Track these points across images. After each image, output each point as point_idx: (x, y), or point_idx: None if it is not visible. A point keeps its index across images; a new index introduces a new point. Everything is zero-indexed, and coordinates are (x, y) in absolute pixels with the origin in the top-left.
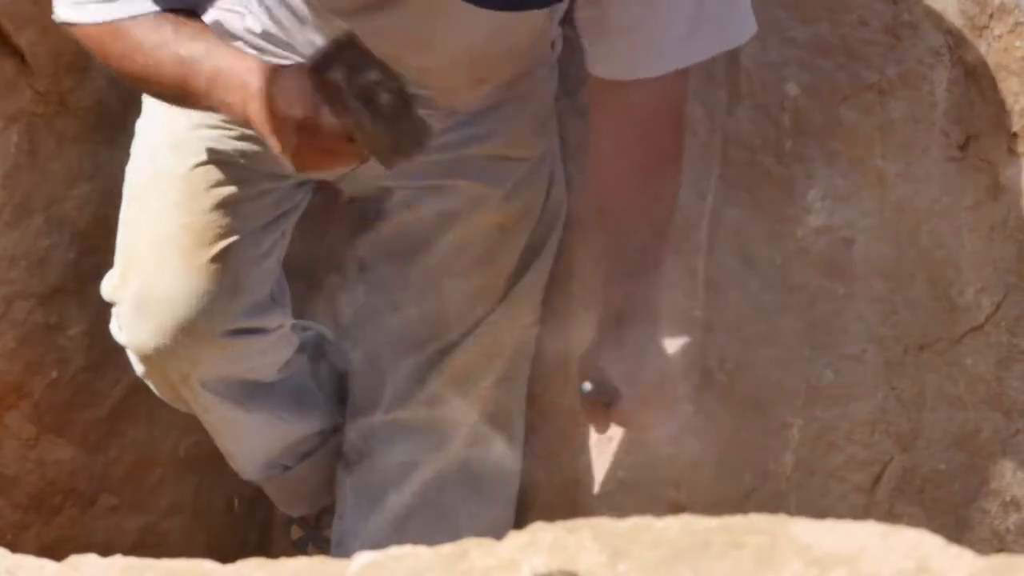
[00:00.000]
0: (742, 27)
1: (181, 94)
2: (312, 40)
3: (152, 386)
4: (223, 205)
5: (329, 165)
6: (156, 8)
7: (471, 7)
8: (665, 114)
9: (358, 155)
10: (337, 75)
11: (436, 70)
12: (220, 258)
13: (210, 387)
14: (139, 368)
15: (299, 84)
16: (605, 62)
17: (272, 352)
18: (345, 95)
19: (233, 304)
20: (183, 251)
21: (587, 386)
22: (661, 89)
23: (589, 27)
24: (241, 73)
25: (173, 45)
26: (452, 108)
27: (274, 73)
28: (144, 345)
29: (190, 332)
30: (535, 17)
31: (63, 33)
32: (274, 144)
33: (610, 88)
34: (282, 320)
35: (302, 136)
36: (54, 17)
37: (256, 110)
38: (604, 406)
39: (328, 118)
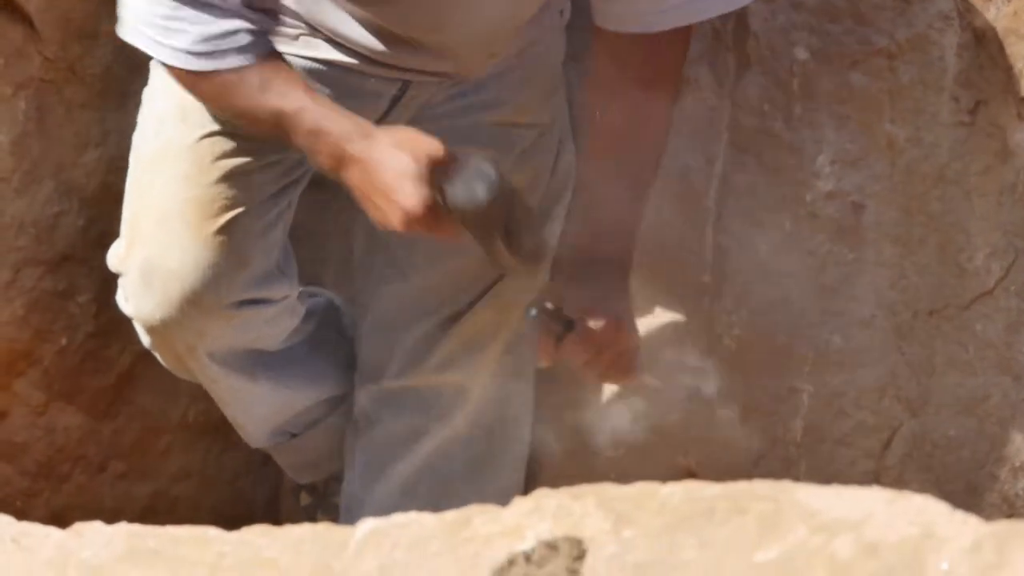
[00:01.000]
0: None
1: (272, 139)
2: (325, 15)
3: (159, 356)
4: (229, 177)
5: (416, 234)
6: (233, 65)
7: None
8: (668, 67)
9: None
10: (490, 212)
11: (451, 46)
12: (226, 230)
13: (216, 358)
14: (146, 339)
15: (417, 169)
16: (616, 15)
17: (278, 322)
18: (492, 228)
19: (239, 275)
20: (189, 223)
21: (532, 311)
22: (667, 44)
23: None
24: (339, 138)
25: (261, 98)
26: (463, 79)
27: (383, 143)
28: (150, 317)
29: (196, 304)
30: None
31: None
32: (363, 204)
33: (618, 40)
34: (288, 291)
35: (407, 219)
36: (120, 32)
37: (353, 175)
38: (555, 334)
39: (443, 213)
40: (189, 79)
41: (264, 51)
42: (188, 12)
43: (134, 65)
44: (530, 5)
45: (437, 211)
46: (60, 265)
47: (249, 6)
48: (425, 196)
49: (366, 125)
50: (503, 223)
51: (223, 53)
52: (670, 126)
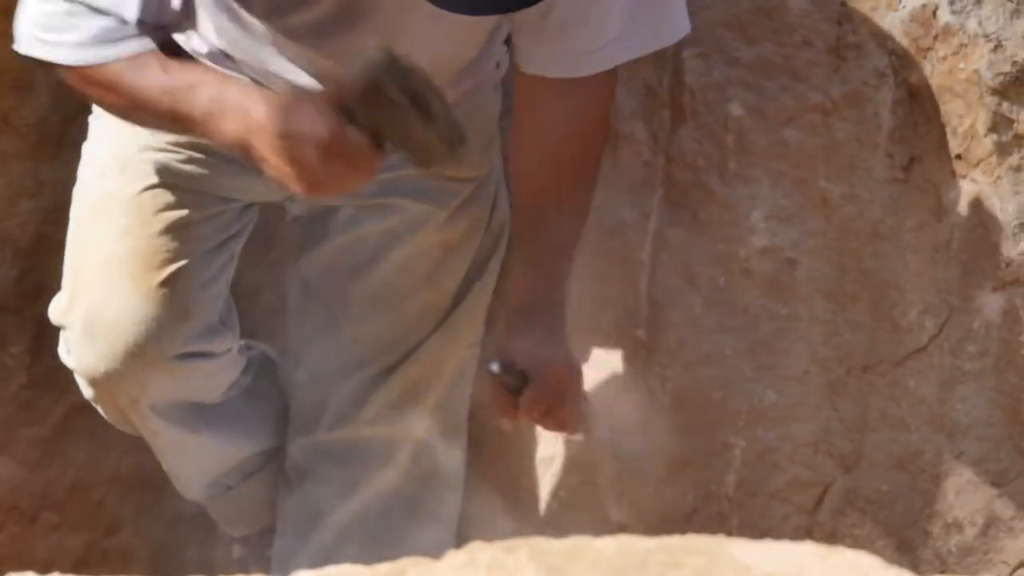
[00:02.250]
0: (676, 26)
1: (170, 124)
2: (266, 60)
3: (100, 409)
4: (172, 229)
5: (348, 181)
6: (131, 51)
7: (429, 24)
8: (594, 112)
9: (378, 167)
10: (391, 88)
11: None
12: (169, 282)
13: (158, 410)
14: (88, 392)
15: (316, 105)
16: (542, 60)
17: (220, 375)
18: (401, 106)
19: (182, 328)
20: (132, 275)
21: (494, 365)
22: (593, 87)
23: (527, 27)
24: (241, 102)
25: (158, 78)
26: None
27: (282, 101)
28: (93, 369)
29: (139, 356)
30: (488, 23)
31: (9, 52)
32: (279, 169)
33: (543, 86)
34: (230, 343)
35: (324, 154)
36: (16, 46)
37: (261, 138)
38: (511, 390)
39: (354, 132)
40: (82, 77)
41: (161, 39)
42: (81, 8)
43: (69, 116)
44: (473, 42)
45: (347, 135)
46: None
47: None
48: (332, 122)
49: (263, 91)
50: (412, 100)
51: (118, 41)
52: (598, 169)
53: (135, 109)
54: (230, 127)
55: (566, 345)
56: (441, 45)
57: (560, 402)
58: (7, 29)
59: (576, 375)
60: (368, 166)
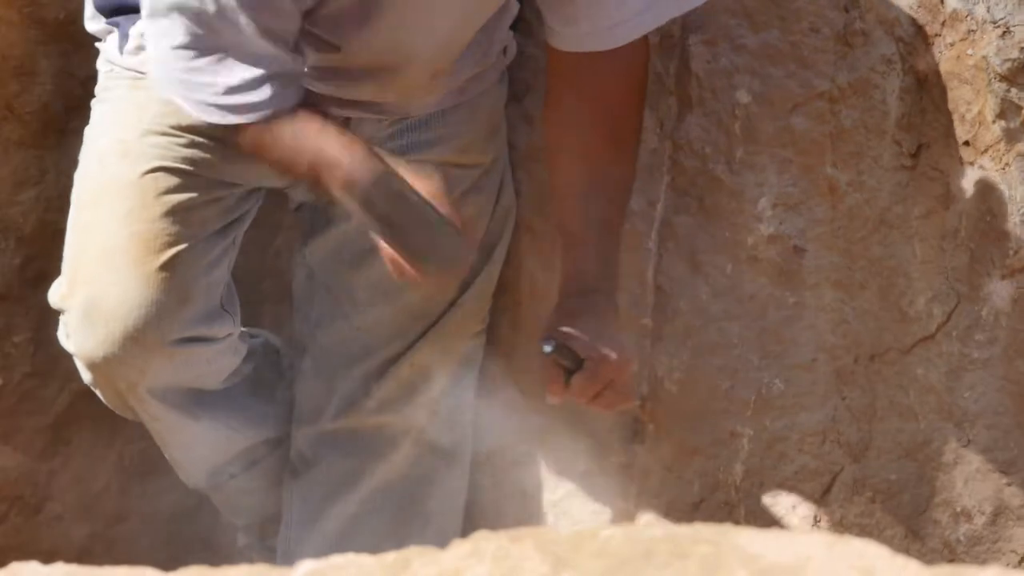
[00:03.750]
0: None
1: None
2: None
3: (100, 394)
4: (173, 212)
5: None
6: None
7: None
8: (629, 82)
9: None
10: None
11: (399, 63)
12: (169, 266)
13: (158, 395)
14: (87, 376)
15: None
16: (572, 36)
17: (219, 360)
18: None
19: (182, 312)
20: (133, 259)
21: (548, 345)
22: (625, 57)
23: (555, 4)
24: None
25: (296, 146)
26: (405, 112)
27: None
28: (92, 354)
29: (139, 341)
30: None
31: (11, 38)
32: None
33: (576, 61)
34: (231, 329)
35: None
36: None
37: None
38: (564, 371)
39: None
40: (232, 133)
41: (292, 101)
42: (203, 63)
43: (72, 103)
44: (482, 13)
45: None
46: None
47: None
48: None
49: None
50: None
51: (247, 107)
52: (639, 139)
53: (277, 169)
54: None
55: (620, 331)
56: (457, 15)
57: (612, 388)
58: (9, 15)
59: (629, 364)
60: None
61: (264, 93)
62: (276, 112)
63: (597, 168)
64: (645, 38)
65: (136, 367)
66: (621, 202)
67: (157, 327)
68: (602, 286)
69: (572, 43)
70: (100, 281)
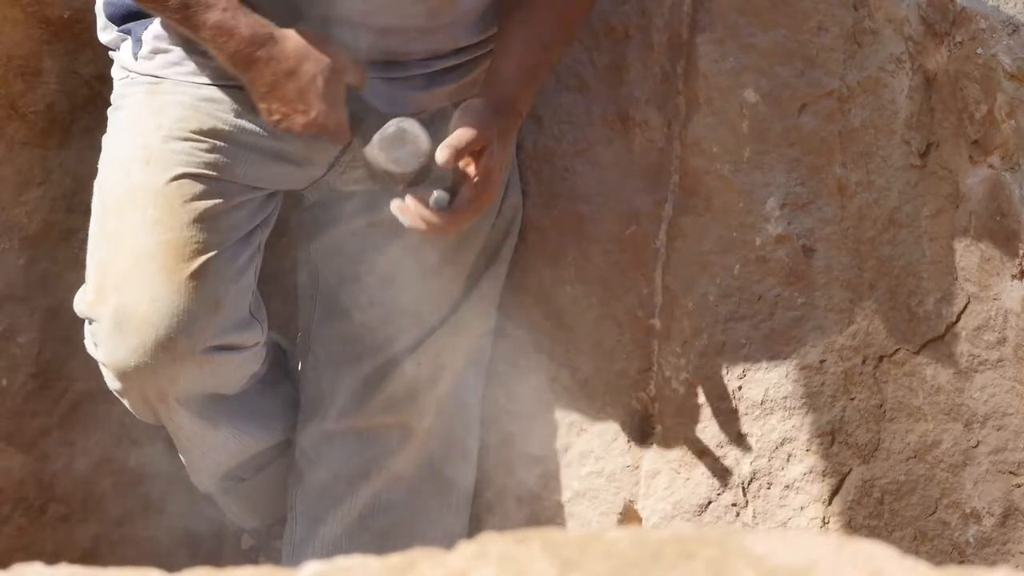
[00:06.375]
0: None
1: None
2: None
3: (127, 403)
4: (201, 219)
5: (314, 121)
6: None
7: None
8: None
9: (339, 140)
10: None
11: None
12: (199, 274)
13: (185, 403)
14: (115, 385)
15: (325, 88)
16: None
17: (246, 368)
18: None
19: (213, 320)
20: (163, 268)
21: (442, 197)
22: None
23: None
24: (244, 40)
25: None
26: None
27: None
28: (124, 363)
29: (171, 350)
30: None
31: (16, 38)
32: (263, 104)
33: None
34: (259, 337)
35: (307, 128)
36: None
37: (259, 78)
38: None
39: (342, 123)
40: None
41: None
42: None
43: (77, 103)
44: None
45: (342, 127)
46: (0, 305)
47: None
48: (338, 117)
49: (274, 28)
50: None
51: None
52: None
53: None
54: (229, 59)
55: (509, 146)
56: None
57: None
58: (13, 14)
59: (496, 189)
60: (336, 132)
61: None
62: None
63: (538, 27)
64: None
65: (167, 376)
66: (560, 48)
67: (189, 336)
68: (514, 110)
69: None
70: (131, 290)
